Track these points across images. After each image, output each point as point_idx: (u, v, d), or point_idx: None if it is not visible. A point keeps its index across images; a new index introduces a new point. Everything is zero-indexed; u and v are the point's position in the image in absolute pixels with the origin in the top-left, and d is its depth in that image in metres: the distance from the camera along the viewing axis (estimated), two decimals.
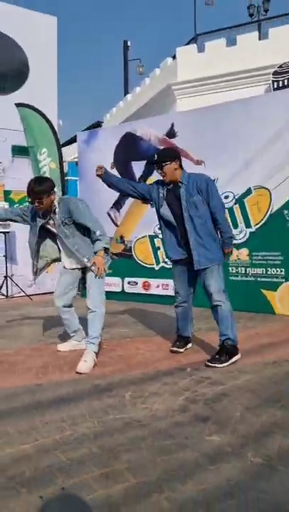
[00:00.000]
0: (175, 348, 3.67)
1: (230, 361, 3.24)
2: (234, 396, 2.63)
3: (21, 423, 2.32)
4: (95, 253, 3.39)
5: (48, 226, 3.54)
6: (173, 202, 3.41)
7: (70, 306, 3.70)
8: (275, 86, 9.45)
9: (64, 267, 3.66)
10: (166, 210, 3.45)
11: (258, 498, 1.62)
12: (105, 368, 3.27)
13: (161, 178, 3.43)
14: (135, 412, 2.44)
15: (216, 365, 3.20)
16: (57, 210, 3.42)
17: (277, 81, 9.46)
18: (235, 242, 5.42)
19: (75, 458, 1.94)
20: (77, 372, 3.13)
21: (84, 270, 3.59)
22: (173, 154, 3.43)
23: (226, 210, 5.42)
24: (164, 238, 3.61)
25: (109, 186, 3.65)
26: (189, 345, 3.74)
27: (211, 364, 3.22)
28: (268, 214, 5.26)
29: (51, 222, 3.50)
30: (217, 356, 3.26)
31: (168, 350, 3.71)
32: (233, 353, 3.28)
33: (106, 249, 3.43)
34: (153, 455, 1.95)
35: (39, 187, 3.30)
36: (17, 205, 7.17)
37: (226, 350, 3.27)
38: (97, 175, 3.58)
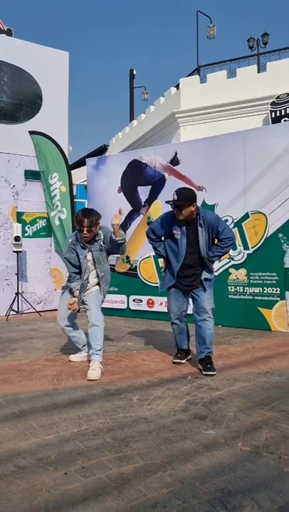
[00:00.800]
0: (177, 360, 4.02)
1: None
2: (229, 399, 2.98)
3: (43, 420, 2.67)
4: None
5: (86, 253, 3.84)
6: (190, 237, 3.74)
7: (73, 324, 4.06)
8: (273, 116, 9.99)
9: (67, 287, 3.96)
10: (179, 243, 3.77)
11: (245, 476, 1.96)
12: (114, 375, 3.62)
13: (178, 217, 3.67)
14: (142, 411, 2.79)
15: (211, 372, 3.56)
16: (99, 237, 3.81)
17: (275, 111, 10.01)
18: (233, 263, 5.89)
19: (92, 446, 2.29)
20: (88, 380, 3.48)
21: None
22: (192, 197, 3.65)
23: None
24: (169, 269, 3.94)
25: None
26: (189, 356, 4.09)
27: (208, 373, 3.57)
28: (264, 237, 5.65)
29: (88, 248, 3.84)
30: (208, 365, 3.63)
31: (170, 361, 4.05)
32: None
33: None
34: (158, 444, 2.30)
35: (90, 218, 3.64)
36: (28, 225, 7.61)
37: (210, 359, 3.66)
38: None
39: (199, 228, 3.72)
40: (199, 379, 3.48)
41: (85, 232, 3.69)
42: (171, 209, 3.78)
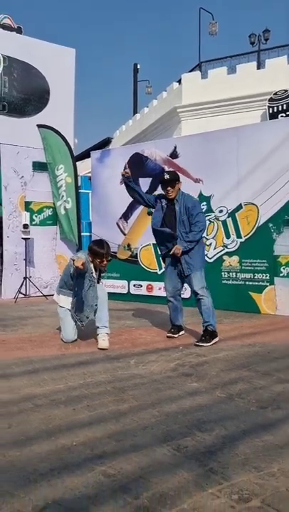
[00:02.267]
0: (170, 334, 4.49)
1: (212, 342, 4.07)
2: (213, 363, 3.45)
3: (53, 375, 3.15)
4: None
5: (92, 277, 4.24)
6: (169, 215, 4.27)
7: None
8: (271, 111, 10.38)
9: (67, 309, 4.28)
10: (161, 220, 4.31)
11: (218, 412, 2.44)
12: (115, 345, 4.10)
13: (168, 194, 4.24)
14: (138, 370, 3.27)
15: (202, 344, 4.02)
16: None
17: (272, 107, 10.40)
18: (227, 250, 6.34)
19: (95, 392, 2.77)
20: (101, 348, 3.93)
21: None
22: (178, 176, 4.36)
23: (219, 223, 6.33)
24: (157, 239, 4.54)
25: (127, 186, 4.49)
26: (182, 332, 4.56)
27: (198, 344, 4.05)
28: (256, 226, 6.08)
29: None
30: (203, 338, 4.09)
31: (165, 336, 4.52)
32: (213, 336, 4.11)
33: None
34: (149, 392, 2.78)
35: (109, 249, 4.17)
36: (36, 214, 8.07)
37: (208, 333, 4.11)
38: (123, 174, 4.42)
39: (177, 204, 4.24)
40: (189, 349, 3.96)
41: (105, 262, 4.17)
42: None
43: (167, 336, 4.48)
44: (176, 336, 4.48)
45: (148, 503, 1.56)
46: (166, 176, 4.26)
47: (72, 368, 3.31)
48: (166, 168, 6.93)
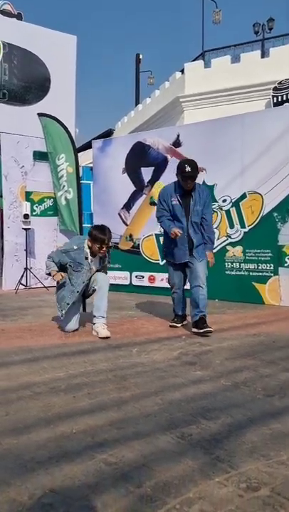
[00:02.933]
0: (173, 324, 4.41)
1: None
2: (217, 352, 3.37)
3: (54, 363, 3.07)
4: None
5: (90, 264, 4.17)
6: (185, 206, 4.18)
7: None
8: (275, 101, 10.22)
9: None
10: (176, 208, 4.20)
11: (223, 400, 2.35)
12: (116, 335, 4.01)
13: (187, 186, 4.10)
14: (140, 359, 3.18)
15: (210, 329, 3.95)
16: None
17: (277, 96, 10.23)
18: (231, 240, 6.24)
19: (96, 380, 2.69)
20: (102, 337, 3.84)
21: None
22: (198, 169, 4.17)
23: (223, 212, 6.23)
24: (166, 242, 4.38)
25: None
26: (185, 321, 4.47)
27: (207, 329, 3.95)
28: (260, 216, 5.97)
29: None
30: (205, 325, 3.99)
31: (168, 325, 4.44)
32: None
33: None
34: (152, 380, 2.69)
35: (110, 235, 4.07)
36: (36, 204, 7.97)
37: (204, 321, 4.03)
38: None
39: (195, 195, 4.14)
40: (192, 338, 3.87)
41: (105, 249, 4.05)
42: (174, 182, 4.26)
43: (170, 326, 4.40)
44: (178, 325, 4.40)
45: (151, 491, 1.48)
46: (188, 169, 4.02)
47: (72, 357, 3.23)
48: (169, 158, 6.83)
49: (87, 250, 4.08)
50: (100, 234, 4.01)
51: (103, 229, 4.08)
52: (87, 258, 4.09)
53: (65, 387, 2.55)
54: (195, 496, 1.46)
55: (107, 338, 3.85)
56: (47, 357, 3.23)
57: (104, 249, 4.04)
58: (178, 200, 4.18)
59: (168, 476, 1.58)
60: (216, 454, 1.73)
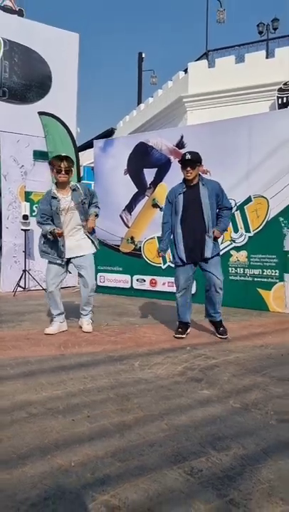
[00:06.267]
0: (178, 335, 4.21)
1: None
2: (224, 367, 3.20)
3: (51, 378, 2.90)
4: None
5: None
6: (192, 200, 4.03)
7: (59, 290, 4.36)
8: (280, 102, 10.04)
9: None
10: (178, 204, 4.08)
11: (234, 425, 2.18)
12: (117, 345, 3.85)
13: (187, 174, 3.98)
14: (143, 374, 3.01)
15: (228, 336, 4.05)
16: (78, 191, 4.20)
17: (282, 97, 10.05)
18: (235, 245, 6.07)
19: (97, 400, 2.52)
20: (85, 332, 4.09)
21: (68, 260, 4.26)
22: (200, 158, 4.05)
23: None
24: (176, 241, 4.19)
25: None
26: (189, 330, 4.31)
27: (225, 336, 4.08)
28: (266, 220, 5.80)
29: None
30: (222, 328, 4.14)
31: (171, 334, 4.27)
32: None
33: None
34: (156, 400, 2.52)
35: (68, 160, 4.03)
36: (36, 204, 7.79)
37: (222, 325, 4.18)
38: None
39: (202, 188, 4.00)
40: (197, 349, 3.70)
41: (63, 172, 3.95)
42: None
43: (175, 337, 4.23)
44: (184, 336, 4.22)
45: None
46: (188, 156, 3.95)
47: (71, 371, 3.06)
48: (173, 159, 6.66)
49: (54, 187, 4.07)
50: (54, 158, 4.01)
51: (59, 155, 4.06)
52: (55, 197, 4.02)
53: (63, 408, 2.38)
54: None
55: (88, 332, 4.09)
56: (44, 371, 3.06)
57: (62, 172, 3.95)
58: (182, 195, 4.07)
59: None
60: (230, 497, 1.57)
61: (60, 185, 4.07)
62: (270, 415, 2.31)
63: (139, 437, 2.04)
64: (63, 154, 4.06)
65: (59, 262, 4.17)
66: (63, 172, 3.96)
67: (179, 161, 4.06)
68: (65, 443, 1.98)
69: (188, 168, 3.97)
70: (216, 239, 4.10)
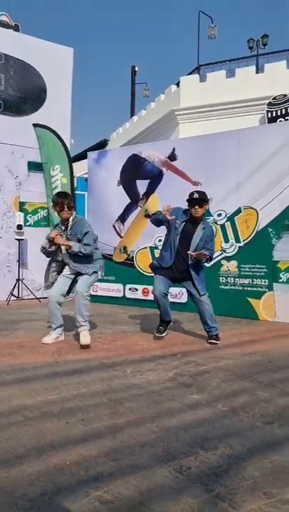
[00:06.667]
0: (159, 334, 4.53)
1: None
2: (214, 373, 3.30)
3: (46, 384, 2.98)
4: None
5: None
6: (187, 232, 4.30)
7: (61, 304, 4.40)
8: (269, 116, 10.29)
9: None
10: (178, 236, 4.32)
11: (221, 427, 2.28)
12: (110, 352, 3.94)
13: (195, 213, 4.24)
14: (134, 380, 3.10)
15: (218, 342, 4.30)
16: (75, 223, 4.39)
17: (271, 111, 10.31)
18: (225, 255, 6.21)
19: (90, 404, 2.61)
20: (83, 346, 4.03)
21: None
22: (207, 198, 4.39)
23: (218, 227, 6.20)
24: (162, 251, 4.49)
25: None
26: (171, 323, 4.71)
27: (215, 342, 4.32)
28: (255, 231, 5.96)
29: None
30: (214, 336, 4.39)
31: (162, 342, 4.37)
32: None
33: None
34: (148, 404, 2.62)
35: (68, 198, 4.31)
36: (30, 215, 7.90)
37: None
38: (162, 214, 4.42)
39: (199, 230, 4.28)
40: (188, 357, 3.80)
41: (66, 209, 4.18)
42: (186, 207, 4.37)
43: (155, 337, 4.51)
44: (164, 334, 4.53)
45: None
46: (196, 195, 4.26)
47: (65, 377, 3.14)
48: (165, 171, 6.81)
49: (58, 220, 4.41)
50: (56, 196, 4.31)
51: (60, 192, 4.37)
52: (56, 225, 4.41)
53: (57, 412, 2.47)
54: None
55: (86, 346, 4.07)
56: (39, 377, 3.14)
57: (65, 209, 4.19)
58: (181, 226, 4.32)
59: None
60: (217, 491, 1.66)
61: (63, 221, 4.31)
62: (257, 418, 2.42)
63: (130, 438, 2.13)
64: (63, 194, 4.38)
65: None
66: (66, 210, 4.20)
67: (186, 200, 4.31)
68: (60, 444, 2.06)
69: (197, 207, 4.24)
70: (198, 261, 4.29)
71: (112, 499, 1.60)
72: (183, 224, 4.33)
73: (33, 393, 2.78)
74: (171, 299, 6.69)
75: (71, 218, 4.27)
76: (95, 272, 4.33)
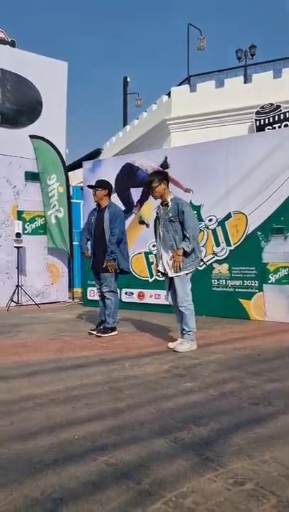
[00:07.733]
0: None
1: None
2: (206, 365, 3.57)
3: (52, 376, 3.23)
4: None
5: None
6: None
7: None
8: (258, 124, 10.67)
9: None
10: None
11: (211, 408, 2.55)
12: (109, 350, 4.19)
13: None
14: (133, 372, 3.36)
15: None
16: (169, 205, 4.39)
17: (259, 120, 10.70)
18: (217, 258, 6.49)
19: (93, 392, 2.86)
20: (175, 351, 4.06)
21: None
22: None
23: (209, 231, 6.49)
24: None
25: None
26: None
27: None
28: (245, 235, 6.25)
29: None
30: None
31: (159, 341, 4.62)
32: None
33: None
34: (145, 391, 2.88)
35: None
36: (28, 223, 8.16)
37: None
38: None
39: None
40: (182, 352, 4.06)
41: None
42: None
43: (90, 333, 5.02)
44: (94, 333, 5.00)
45: (149, 487, 1.66)
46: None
47: (69, 370, 3.40)
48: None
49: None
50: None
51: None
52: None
53: (64, 399, 2.72)
54: (188, 490, 1.64)
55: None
56: (45, 371, 3.39)
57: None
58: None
59: (164, 474, 1.76)
60: (206, 455, 1.92)
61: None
62: (244, 400, 2.68)
63: (131, 418, 2.39)
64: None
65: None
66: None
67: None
68: (68, 423, 2.32)
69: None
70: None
71: (117, 462, 1.86)
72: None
73: (41, 384, 3.03)
74: (159, 301, 6.96)
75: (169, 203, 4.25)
76: None
